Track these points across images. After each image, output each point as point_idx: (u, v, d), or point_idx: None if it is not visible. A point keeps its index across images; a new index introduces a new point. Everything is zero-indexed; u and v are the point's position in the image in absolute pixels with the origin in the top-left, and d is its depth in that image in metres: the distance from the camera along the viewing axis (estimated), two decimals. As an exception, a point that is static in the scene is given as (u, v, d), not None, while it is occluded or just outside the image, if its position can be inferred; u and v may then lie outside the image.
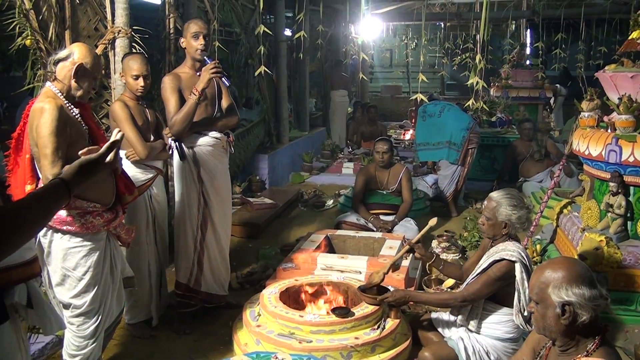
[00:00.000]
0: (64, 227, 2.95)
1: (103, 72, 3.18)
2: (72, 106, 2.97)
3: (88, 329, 3.10)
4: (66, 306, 3.09)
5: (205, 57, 3.88)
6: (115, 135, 2.09)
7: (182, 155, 3.94)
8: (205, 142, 3.98)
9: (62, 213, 2.91)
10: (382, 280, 3.55)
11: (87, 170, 1.83)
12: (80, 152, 1.93)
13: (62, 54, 2.95)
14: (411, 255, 4.35)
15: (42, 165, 2.83)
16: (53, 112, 2.79)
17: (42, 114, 2.79)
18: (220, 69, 3.79)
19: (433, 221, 3.71)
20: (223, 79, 3.86)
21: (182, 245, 4.08)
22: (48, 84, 2.96)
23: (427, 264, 3.71)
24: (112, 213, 3.09)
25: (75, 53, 2.93)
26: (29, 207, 1.60)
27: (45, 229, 2.95)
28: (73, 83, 2.93)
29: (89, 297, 3.07)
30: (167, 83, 3.89)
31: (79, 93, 2.97)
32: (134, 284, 3.55)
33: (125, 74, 3.82)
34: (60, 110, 2.82)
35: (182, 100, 3.84)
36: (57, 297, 3.09)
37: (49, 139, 2.78)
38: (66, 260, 3.01)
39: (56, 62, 2.94)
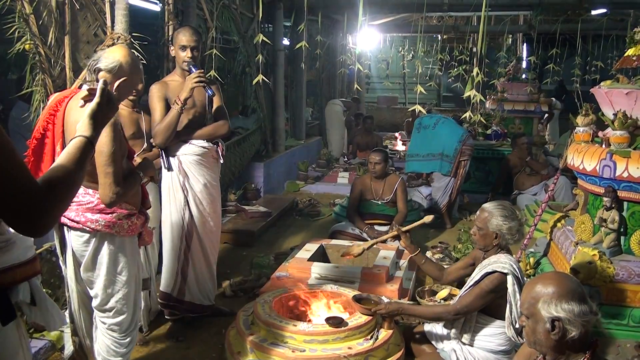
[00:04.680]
0: (113, 231, 2.89)
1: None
2: None
3: (129, 335, 3.09)
4: (106, 310, 3.02)
5: (191, 66, 3.86)
6: (100, 86, 1.96)
7: (168, 166, 3.94)
8: (192, 151, 3.95)
9: (109, 216, 2.86)
10: (361, 254, 3.60)
11: (99, 117, 1.88)
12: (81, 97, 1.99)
13: (106, 63, 2.77)
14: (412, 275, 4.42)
15: (104, 182, 2.71)
16: (113, 130, 2.67)
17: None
18: (204, 78, 3.78)
19: (428, 218, 3.83)
20: (206, 88, 3.85)
21: (167, 254, 4.06)
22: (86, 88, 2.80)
23: (410, 256, 3.76)
24: (143, 215, 3.09)
25: (121, 67, 2.78)
26: (66, 173, 1.65)
27: (88, 235, 2.88)
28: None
29: (131, 300, 3.06)
30: (154, 92, 3.88)
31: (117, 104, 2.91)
32: (150, 286, 3.54)
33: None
34: (116, 126, 2.72)
35: (168, 109, 3.82)
36: (100, 304, 3.01)
37: (111, 159, 2.67)
38: (114, 266, 2.95)
39: (97, 70, 2.79)
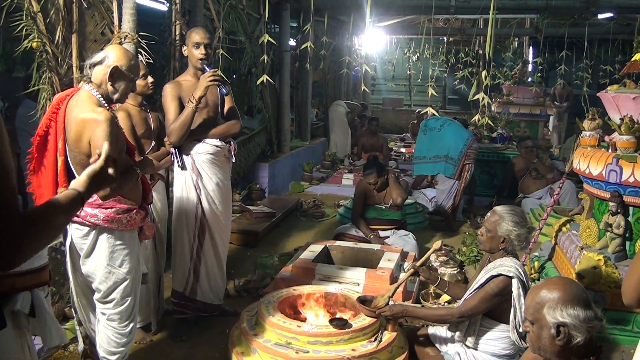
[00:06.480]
0: (112, 225, 2.95)
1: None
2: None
3: (129, 325, 3.14)
4: (107, 302, 3.08)
5: (204, 65, 3.88)
6: (104, 150, 1.92)
7: (182, 165, 3.95)
8: (205, 149, 3.96)
9: (108, 211, 2.93)
10: (387, 303, 3.52)
11: (96, 181, 1.82)
12: (90, 160, 1.92)
13: (97, 57, 2.88)
14: (416, 278, 4.38)
15: None
16: (109, 125, 2.73)
17: (97, 126, 2.71)
18: (218, 77, 3.79)
19: (437, 244, 3.70)
20: (221, 87, 3.87)
21: (179, 253, 4.07)
22: (87, 87, 2.87)
23: (432, 287, 3.70)
24: (143, 210, 3.15)
25: (110, 56, 2.86)
26: (50, 215, 1.59)
27: (87, 229, 2.96)
28: (109, 86, 2.87)
29: (132, 293, 3.11)
30: (168, 91, 3.89)
31: (115, 96, 2.92)
32: (147, 281, 3.57)
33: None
34: (112, 122, 2.77)
35: (182, 108, 3.84)
36: (102, 297, 3.07)
37: None
38: (113, 259, 3.01)
39: (92, 66, 2.87)
